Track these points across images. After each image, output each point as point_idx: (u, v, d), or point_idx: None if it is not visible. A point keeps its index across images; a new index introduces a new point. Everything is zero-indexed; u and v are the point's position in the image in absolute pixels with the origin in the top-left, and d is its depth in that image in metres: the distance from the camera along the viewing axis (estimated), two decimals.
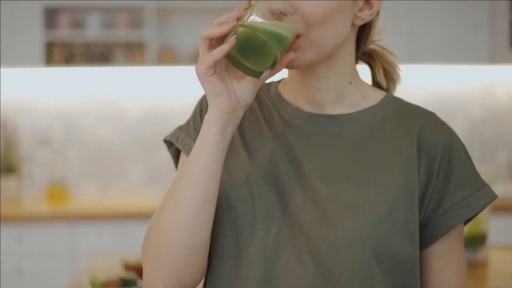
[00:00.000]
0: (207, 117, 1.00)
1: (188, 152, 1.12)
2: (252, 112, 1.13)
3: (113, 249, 3.94)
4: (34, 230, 3.99)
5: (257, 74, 0.97)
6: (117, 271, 2.37)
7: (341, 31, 1.04)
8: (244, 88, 1.00)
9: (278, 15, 0.97)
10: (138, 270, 2.21)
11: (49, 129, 4.48)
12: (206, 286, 1.09)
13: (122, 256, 2.48)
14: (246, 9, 0.96)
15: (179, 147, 1.14)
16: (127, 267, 2.26)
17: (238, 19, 0.96)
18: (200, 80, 0.98)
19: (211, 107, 1.00)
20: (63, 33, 4.22)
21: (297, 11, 0.98)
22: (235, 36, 0.94)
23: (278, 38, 0.95)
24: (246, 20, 0.95)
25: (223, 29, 0.94)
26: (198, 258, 1.02)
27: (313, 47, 1.02)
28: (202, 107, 1.15)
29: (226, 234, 1.04)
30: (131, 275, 2.17)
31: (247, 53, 0.96)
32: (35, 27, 4.12)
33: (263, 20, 0.95)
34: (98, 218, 4.00)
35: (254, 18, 0.95)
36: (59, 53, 4.24)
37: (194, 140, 1.12)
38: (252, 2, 0.97)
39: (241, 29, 0.94)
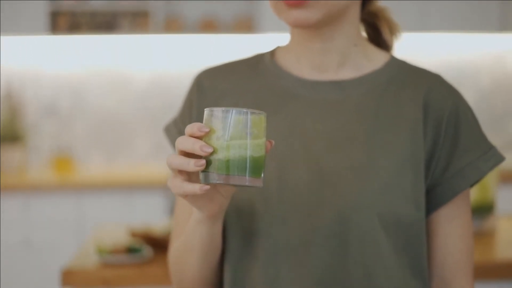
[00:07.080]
0: (196, 214, 0.97)
1: None
2: (247, 87, 1.10)
3: (119, 219, 3.95)
4: (40, 200, 3.99)
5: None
6: (123, 239, 2.37)
7: None
8: (226, 186, 0.93)
9: None
10: (144, 237, 2.22)
11: (54, 99, 4.47)
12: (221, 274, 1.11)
13: (129, 225, 2.47)
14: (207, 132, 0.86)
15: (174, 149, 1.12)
16: (134, 234, 2.26)
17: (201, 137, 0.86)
18: (176, 195, 0.93)
19: (197, 211, 0.96)
20: (68, 2, 4.19)
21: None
22: (207, 187, 0.85)
23: (255, 169, 0.86)
24: (217, 162, 0.85)
25: (191, 169, 0.85)
26: (213, 275, 1.08)
27: (323, 6, 0.99)
28: (192, 100, 1.12)
29: (228, 219, 1.04)
30: (137, 242, 2.17)
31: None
32: None
33: (233, 151, 0.84)
34: (104, 188, 4.00)
35: (222, 152, 0.84)
36: (64, 22, 4.21)
37: None
38: (213, 123, 0.86)
39: (216, 178, 0.85)
